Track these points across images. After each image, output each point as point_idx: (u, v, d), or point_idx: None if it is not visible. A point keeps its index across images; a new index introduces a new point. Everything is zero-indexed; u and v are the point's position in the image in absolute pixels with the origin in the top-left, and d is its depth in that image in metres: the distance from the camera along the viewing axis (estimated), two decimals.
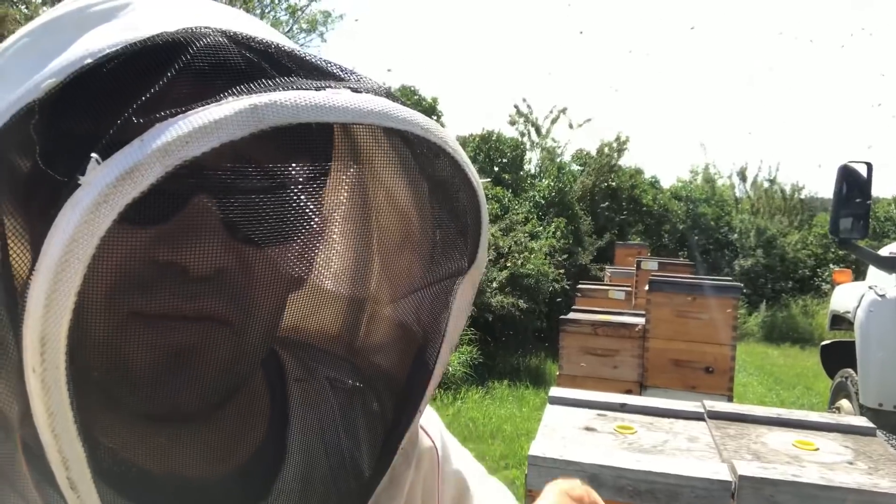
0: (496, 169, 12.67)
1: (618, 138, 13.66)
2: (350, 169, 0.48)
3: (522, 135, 14.19)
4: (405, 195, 0.48)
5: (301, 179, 0.42)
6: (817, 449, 1.33)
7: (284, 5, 12.60)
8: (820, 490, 1.12)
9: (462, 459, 0.73)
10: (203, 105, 0.34)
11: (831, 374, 4.78)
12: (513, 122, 14.38)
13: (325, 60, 0.42)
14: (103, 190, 0.31)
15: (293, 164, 0.41)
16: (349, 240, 0.52)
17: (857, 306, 4.06)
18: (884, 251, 4.28)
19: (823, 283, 13.04)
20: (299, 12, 13.15)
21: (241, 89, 0.36)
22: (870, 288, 4.06)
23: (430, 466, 0.62)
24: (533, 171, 13.78)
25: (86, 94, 0.37)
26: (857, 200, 3.73)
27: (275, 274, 0.45)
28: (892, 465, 1.24)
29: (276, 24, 12.44)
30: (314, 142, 0.43)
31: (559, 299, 8.89)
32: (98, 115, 0.36)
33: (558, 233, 10.16)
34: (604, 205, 12.58)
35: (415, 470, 0.58)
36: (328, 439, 0.52)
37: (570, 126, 14.32)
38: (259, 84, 0.36)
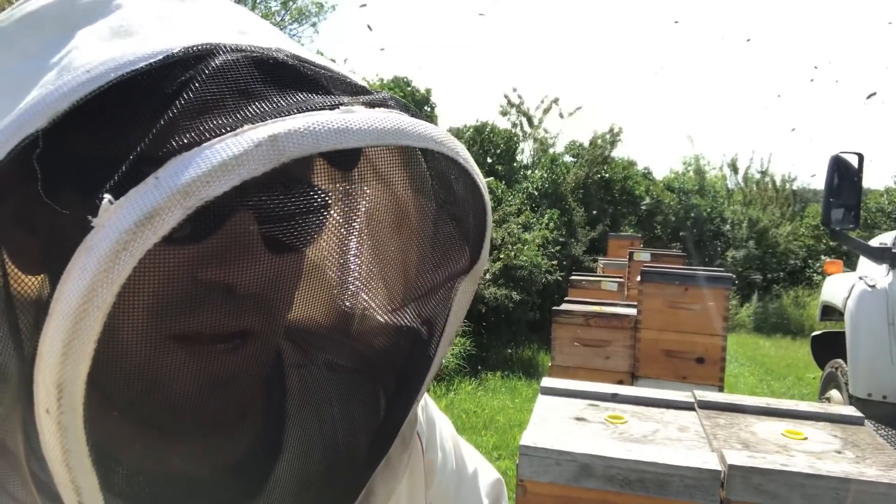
0: (490, 160, 12.66)
1: (611, 130, 13.67)
2: (366, 176, 0.48)
3: (514, 125, 14.18)
4: (416, 201, 0.49)
5: (327, 188, 0.42)
6: (806, 438, 1.34)
7: None
8: (807, 479, 1.12)
9: (465, 456, 0.76)
10: (219, 136, 0.32)
11: (822, 365, 4.81)
12: (504, 113, 14.36)
13: (329, 70, 0.41)
14: (122, 237, 0.29)
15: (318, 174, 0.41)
16: (361, 242, 0.52)
17: (848, 297, 4.08)
18: (874, 242, 4.31)
19: (815, 274, 13.11)
20: (291, 2, 13.06)
21: (256, 112, 0.34)
22: (860, 278, 4.08)
23: (415, 455, 0.63)
24: (526, 163, 13.78)
25: (90, 119, 0.35)
26: (849, 191, 3.75)
27: (295, 279, 0.45)
28: (878, 453, 1.25)
29: (267, 15, 12.36)
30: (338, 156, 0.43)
31: (552, 291, 8.90)
32: (104, 142, 0.34)
33: (551, 224, 10.17)
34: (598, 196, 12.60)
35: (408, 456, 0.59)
36: (326, 425, 0.53)
37: (561, 116, 14.33)
38: (271, 103, 0.35)
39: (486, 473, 0.81)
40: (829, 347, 4.63)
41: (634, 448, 1.24)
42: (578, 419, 1.43)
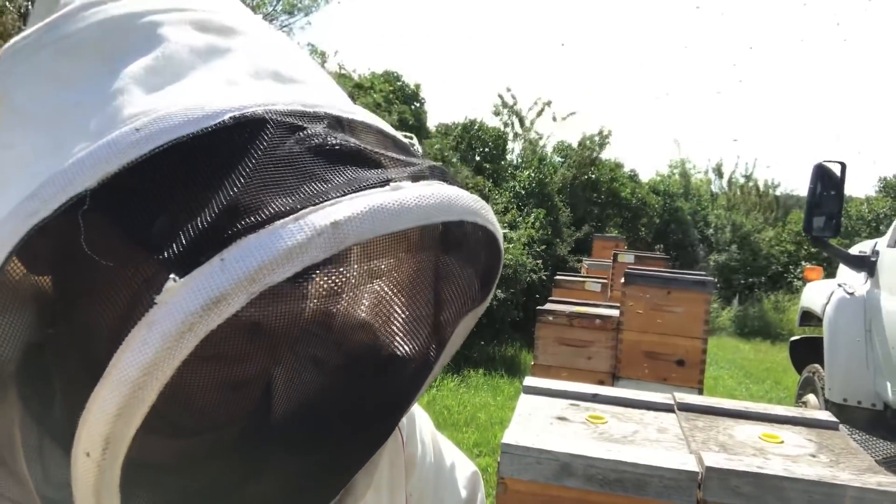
0: (477, 158, 12.66)
1: (600, 132, 13.73)
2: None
3: (506, 125, 14.19)
4: (435, 251, 0.50)
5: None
6: (782, 442, 1.37)
7: None
8: (782, 481, 1.15)
9: (443, 449, 0.78)
10: (281, 219, 0.32)
11: (799, 370, 4.88)
12: (497, 113, 14.36)
13: (372, 128, 0.43)
14: (188, 318, 0.30)
15: None
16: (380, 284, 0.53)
17: (827, 303, 4.14)
18: (854, 250, 4.37)
19: (795, 280, 13.27)
20: None
21: (313, 192, 0.35)
22: (839, 286, 4.14)
23: (395, 447, 0.65)
24: (514, 162, 13.79)
25: (138, 181, 0.34)
26: (831, 200, 3.81)
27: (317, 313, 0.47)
28: (852, 457, 1.28)
29: (259, 5, 12.28)
30: None
31: (536, 290, 8.94)
32: (154, 207, 0.34)
33: (537, 224, 10.19)
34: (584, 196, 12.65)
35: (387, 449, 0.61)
36: (312, 419, 0.53)
37: (554, 119, 14.35)
38: (326, 181, 0.36)
39: (462, 466, 0.84)
40: (808, 352, 4.69)
41: (614, 448, 1.25)
42: (560, 418, 1.45)
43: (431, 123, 13.34)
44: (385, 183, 0.37)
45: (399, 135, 0.46)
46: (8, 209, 0.33)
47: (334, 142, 0.39)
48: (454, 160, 10.87)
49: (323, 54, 12.57)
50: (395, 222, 0.36)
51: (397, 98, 11.93)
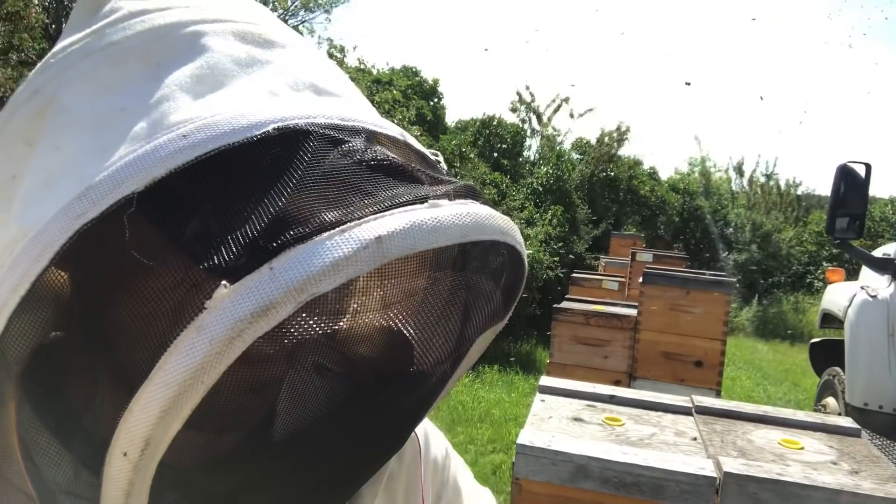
0: (495, 154, 12.64)
1: (619, 128, 13.63)
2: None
3: (523, 122, 14.15)
4: (463, 273, 0.50)
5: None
6: (802, 448, 1.35)
7: None
8: (802, 489, 1.13)
9: (457, 465, 0.76)
10: (327, 231, 0.33)
11: (819, 372, 4.82)
12: (514, 109, 14.32)
13: (405, 144, 0.43)
14: (237, 325, 0.31)
15: None
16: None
17: (848, 306, 4.08)
18: (877, 252, 4.30)
19: (816, 281, 13.11)
20: None
21: (357, 205, 0.35)
22: (861, 288, 4.08)
23: (413, 459, 0.64)
24: (532, 158, 13.76)
25: (182, 186, 0.35)
26: (855, 201, 3.75)
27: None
28: (874, 466, 1.25)
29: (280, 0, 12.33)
30: None
31: (553, 287, 8.91)
32: (199, 212, 0.35)
33: (554, 220, 10.16)
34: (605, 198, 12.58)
35: (396, 460, 0.61)
36: (324, 430, 0.52)
37: (571, 116, 14.28)
38: (369, 194, 0.36)
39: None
40: (828, 355, 4.64)
41: (631, 451, 1.24)
42: (576, 419, 1.44)
43: (450, 119, 13.35)
44: (423, 199, 0.38)
45: (427, 151, 0.47)
46: (57, 208, 0.34)
47: (373, 156, 0.39)
48: (472, 156, 10.85)
49: (342, 49, 12.61)
50: (434, 239, 0.36)
51: (416, 93, 11.94)
